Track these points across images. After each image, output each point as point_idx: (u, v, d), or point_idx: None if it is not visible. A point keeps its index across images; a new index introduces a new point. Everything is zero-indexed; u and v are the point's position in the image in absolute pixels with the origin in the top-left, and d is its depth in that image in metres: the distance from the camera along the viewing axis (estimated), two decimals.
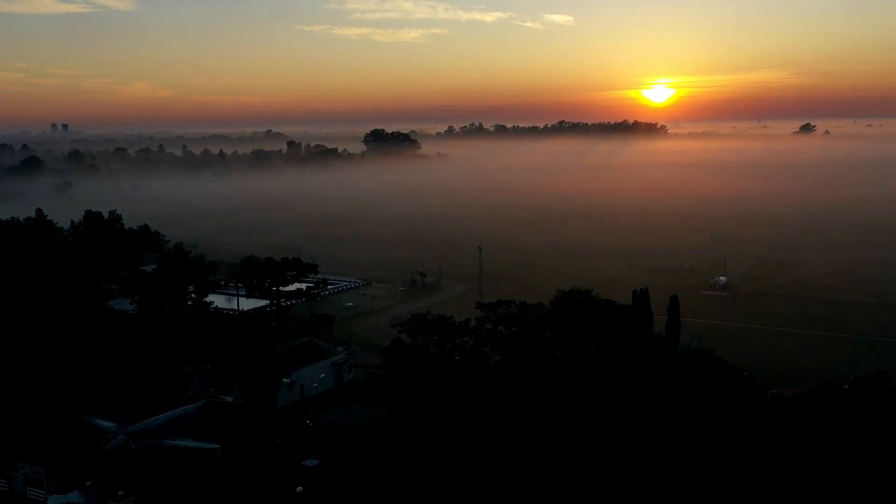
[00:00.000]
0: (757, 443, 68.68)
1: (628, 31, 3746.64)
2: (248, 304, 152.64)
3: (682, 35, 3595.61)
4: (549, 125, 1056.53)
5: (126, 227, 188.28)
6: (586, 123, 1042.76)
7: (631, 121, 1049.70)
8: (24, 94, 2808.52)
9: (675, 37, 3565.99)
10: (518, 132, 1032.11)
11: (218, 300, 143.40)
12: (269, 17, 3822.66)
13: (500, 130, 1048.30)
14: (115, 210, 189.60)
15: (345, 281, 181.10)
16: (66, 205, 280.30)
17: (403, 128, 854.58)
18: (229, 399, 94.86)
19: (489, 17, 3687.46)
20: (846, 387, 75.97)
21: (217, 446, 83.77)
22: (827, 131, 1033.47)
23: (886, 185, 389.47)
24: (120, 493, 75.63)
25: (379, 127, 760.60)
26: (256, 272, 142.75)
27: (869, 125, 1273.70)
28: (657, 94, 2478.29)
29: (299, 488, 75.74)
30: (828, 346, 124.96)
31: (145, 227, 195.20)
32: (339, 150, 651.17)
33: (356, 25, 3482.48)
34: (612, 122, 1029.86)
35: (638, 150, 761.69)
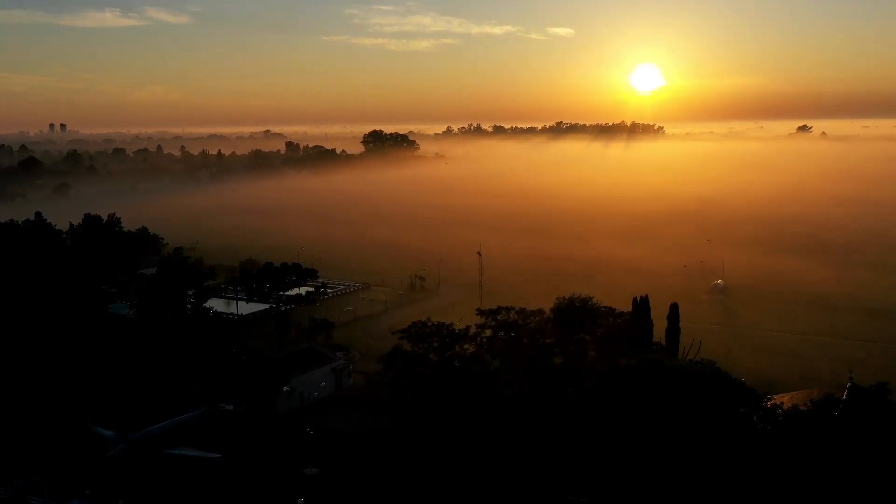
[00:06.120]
0: (755, 457, 68.73)
1: (625, 41, 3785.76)
2: (247, 308, 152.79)
3: (677, 44, 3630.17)
4: (548, 126, 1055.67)
5: (125, 229, 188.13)
6: (584, 124, 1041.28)
7: (629, 122, 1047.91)
8: (41, 97, 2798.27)
9: (671, 46, 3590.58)
10: (516, 132, 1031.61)
11: (217, 304, 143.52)
12: (298, 31, 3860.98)
13: (499, 131, 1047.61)
14: (114, 213, 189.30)
15: (344, 285, 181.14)
16: (64, 207, 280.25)
17: (402, 129, 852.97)
18: (229, 407, 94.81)
19: (498, 30, 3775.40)
20: (845, 397, 75.98)
21: (218, 455, 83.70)
22: (823, 132, 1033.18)
23: (884, 184, 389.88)
24: (120, 501, 75.62)
25: (378, 128, 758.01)
26: (256, 277, 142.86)
27: (865, 126, 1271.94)
28: (646, 85, 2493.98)
29: (301, 500, 75.58)
30: (827, 353, 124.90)
31: (144, 230, 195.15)
32: (338, 151, 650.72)
33: (374, 37, 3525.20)
34: (610, 123, 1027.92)
35: (636, 151, 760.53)
